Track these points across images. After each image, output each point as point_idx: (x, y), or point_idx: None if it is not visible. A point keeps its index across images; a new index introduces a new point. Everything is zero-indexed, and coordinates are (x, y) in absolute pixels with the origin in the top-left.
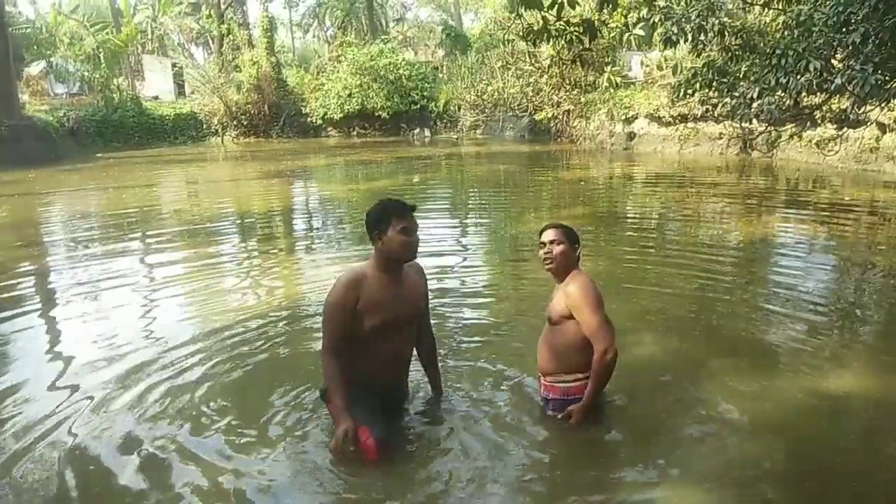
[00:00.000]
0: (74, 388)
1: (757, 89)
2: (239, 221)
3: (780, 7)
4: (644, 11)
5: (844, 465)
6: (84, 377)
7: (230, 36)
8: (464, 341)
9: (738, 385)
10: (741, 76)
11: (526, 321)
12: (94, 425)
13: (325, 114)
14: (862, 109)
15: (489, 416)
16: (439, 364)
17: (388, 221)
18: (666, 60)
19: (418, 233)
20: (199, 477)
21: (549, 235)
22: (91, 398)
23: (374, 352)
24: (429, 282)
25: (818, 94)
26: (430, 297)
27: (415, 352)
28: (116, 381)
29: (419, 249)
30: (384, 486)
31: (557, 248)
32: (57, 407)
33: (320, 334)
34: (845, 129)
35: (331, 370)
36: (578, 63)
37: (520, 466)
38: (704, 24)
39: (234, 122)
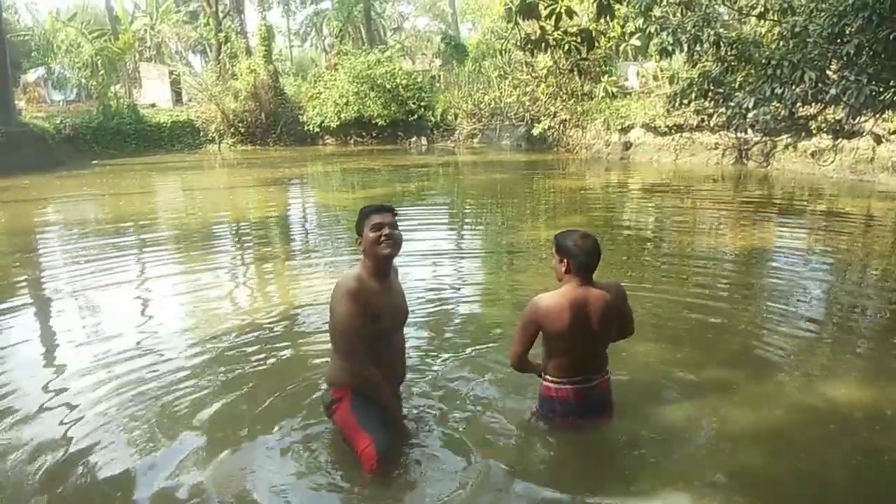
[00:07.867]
0: (69, 396)
1: (752, 99)
2: (235, 229)
3: (776, 18)
4: (640, 22)
5: (840, 473)
6: (79, 384)
7: (228, 44)
8: (460, 346)
9: (734, 393)
10: (736, 86)
11: None
12: (91, 431)
13: (322, 122)
14: (856, 120)
15: (485, 420)
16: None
17: (363, 222)
18: (662, 71)
19: (398, 232)
20: (198, 481)
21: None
22: (87, 405)
23: (377, 358)
24: (426, 288)
25: (813, 104)
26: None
27: None
28: (113, 388)
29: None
30: (377, 493)
31: (553, 261)
32: (51, 413)
33: (317, 340)
34: (840, 139)
35: (364, 373)
36: (576, 73)
37: (513, 471)
38: (700, 34)
39: (232, 130)
